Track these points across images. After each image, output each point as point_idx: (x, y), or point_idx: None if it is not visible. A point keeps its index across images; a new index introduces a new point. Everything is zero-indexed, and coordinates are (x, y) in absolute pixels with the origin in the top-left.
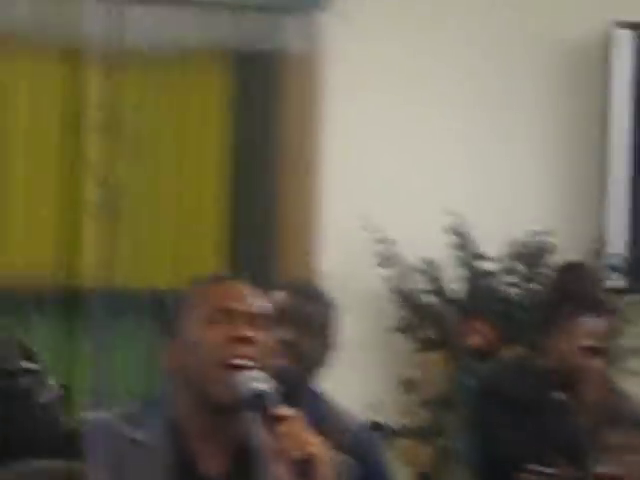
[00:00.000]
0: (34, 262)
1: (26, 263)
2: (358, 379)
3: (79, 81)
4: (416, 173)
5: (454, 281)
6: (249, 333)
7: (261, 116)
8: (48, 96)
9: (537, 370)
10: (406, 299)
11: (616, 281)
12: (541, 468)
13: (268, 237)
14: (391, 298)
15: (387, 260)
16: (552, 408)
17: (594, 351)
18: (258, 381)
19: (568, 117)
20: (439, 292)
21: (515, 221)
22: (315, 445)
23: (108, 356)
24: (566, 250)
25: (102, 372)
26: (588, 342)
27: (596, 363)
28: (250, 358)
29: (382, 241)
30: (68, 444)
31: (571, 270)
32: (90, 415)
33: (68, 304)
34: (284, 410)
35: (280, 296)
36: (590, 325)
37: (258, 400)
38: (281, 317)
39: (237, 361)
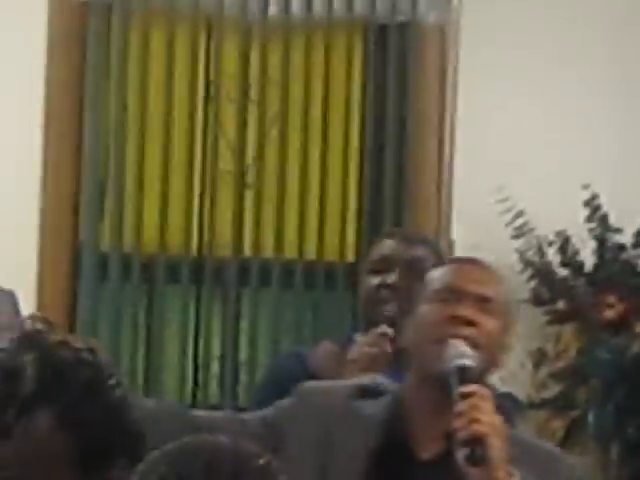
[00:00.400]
0: (168, 234)
1: (160, 235)
2: None
3: (218, 50)
4: (552, 145)
5: (587, 254)
6: (472, 315)
7: (398, 87)
8: (185, 65)
9: None
10: (539, 271)
11: None
12: None
13: (401, 208)
14: (524, 270)
15: (520, 232)
16: None
17: None
18: (465, 357)
19: None
20: (572, 265)
21: None
22: (488, 425)
23: (253, 326)
24: None
25: (250, 341)
26: None
27: None
28: (469, 340)
29: (516, 213)
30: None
31: None
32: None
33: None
34: (471, 387)
35: (390, 243)
36: None
37: (458, 374)
38: (391, 263)
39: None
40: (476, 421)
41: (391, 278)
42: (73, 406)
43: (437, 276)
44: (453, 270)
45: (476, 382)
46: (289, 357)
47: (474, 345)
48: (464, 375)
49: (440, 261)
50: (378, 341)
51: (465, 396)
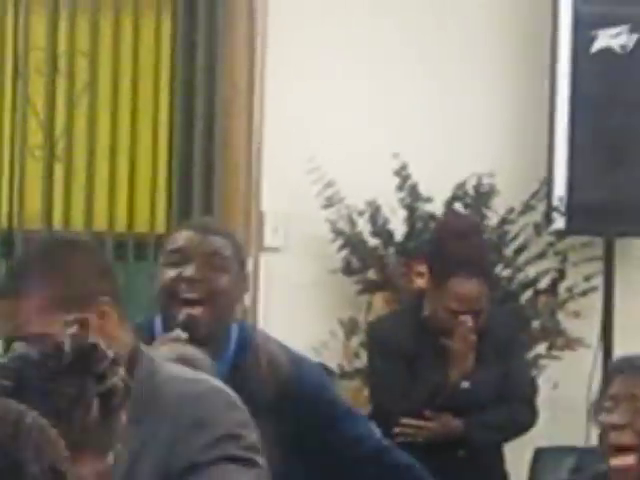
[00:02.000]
0: None
1: None
2: (302, 321)
3: (26, 22)
4: (361, 115)
5: (398, 223)
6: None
7: (207, 55)
8: None
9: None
10: (349, 241)
11: (558, 223)
12: (415, 421)
13: (211, 180)
14: (335, 240)
15: (331, 202)
16: (428, 356)
17: (462, 314)
18: None
19: (515, 56)
20: (382, 234)
21: (460, 164)
22: None
23: None
24: (510, 192)
25: None
26: (456, 306)
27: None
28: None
29: (326, 183)
30: None
31: (454, 227)
32: None
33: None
34: None
35: (186, 234)
36: (460, 288)
37: None
38: (187, 255)
39: None
40: None
41: (188, 271)
42: None
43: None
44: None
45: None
46: None
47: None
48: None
49: (238, 252)
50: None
51: None
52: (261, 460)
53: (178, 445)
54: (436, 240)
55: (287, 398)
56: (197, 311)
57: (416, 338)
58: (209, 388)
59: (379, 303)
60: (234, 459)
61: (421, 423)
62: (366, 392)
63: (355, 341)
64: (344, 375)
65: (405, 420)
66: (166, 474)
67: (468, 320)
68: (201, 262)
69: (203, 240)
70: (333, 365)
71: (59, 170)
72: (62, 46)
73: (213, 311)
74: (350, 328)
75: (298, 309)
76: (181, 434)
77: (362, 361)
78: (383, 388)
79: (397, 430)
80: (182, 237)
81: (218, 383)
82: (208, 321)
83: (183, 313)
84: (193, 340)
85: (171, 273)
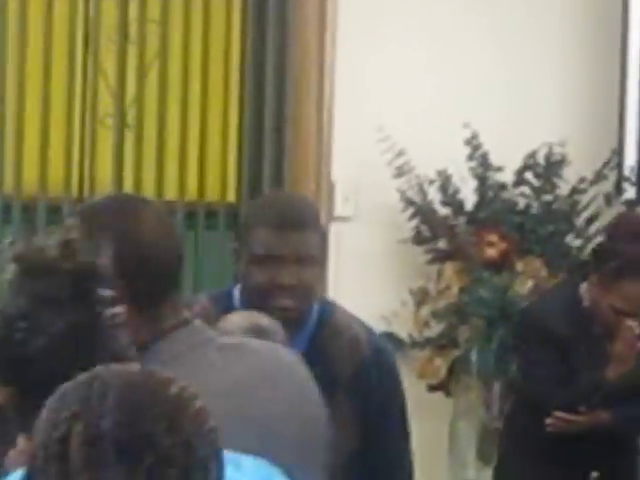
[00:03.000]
0: (49, 176)
1: (41, 177)
2: (372, 291)
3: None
4: (432, 84)
5: (468, 193)
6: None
7: (278, 25)
8: (64, 7)
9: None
10: (420, 210)
11: (629, 193)
12: (568, 416)
13: (281, 150)
14: (405, 209)
15: (401, 171)
16: (584, 350)
17: (627, 315)
18: None
19: (586, 26)
20: (453, 204)
21: (531, 133)
22: None
23: None
24: (581, 162)
25: None
26: (623, 306)
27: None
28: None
29: (396, 153)
30: None
31: (629, 227)
32: None
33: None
34: None
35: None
36: (631, 289)
37: None
38: (281, 257)
39: None
40: None
41: (282, 277)
42: None
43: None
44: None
45: None
46: None
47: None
48: None
49: (323, 237)
50: None
51: None
52: None
53: None
54: (609, 239)
55: (362, 378)
56: (292, 313)
57: (572, 329)
58: None
59: (449, 273)
60: None
61: (574, 418)
62: (436, 362)
63: (425, 310)
64: (414, 345)
65: (559, 414)
66: None
67: (636, 327)
68: (294, 265)
69: (294, 239)
70: (403, 334)
71: (130, 139)
72: (133, 14)
73: (305, 304)
74: (420, 297)
75: (368, 279)
76: None
77: (432, 330)
78: (541, 379)
79: (549, 421)
80: (272, 236)
81: None
82: (298, 314)
83: (277, 314)
84: None
85: (262, 276)
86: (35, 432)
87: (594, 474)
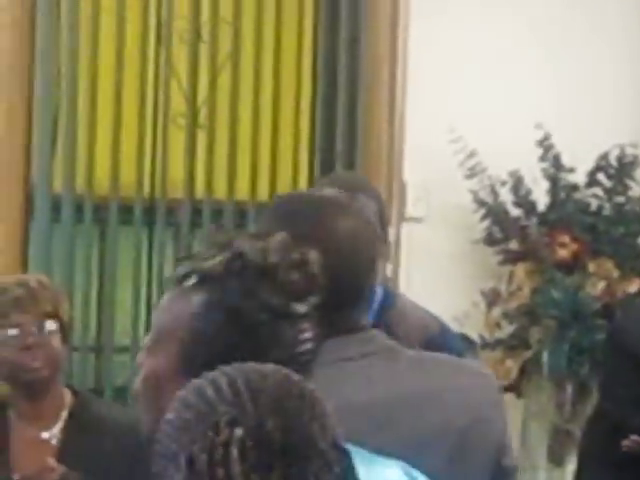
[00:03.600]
0: (121, 175)
1: (113, 176)
2: (443, 291)
3: None
4: (504, 85)
5: (540, 194)
6: None
7: (350, 26)
8: (136, 6)
9: None
10: (492, 211)
11: None
12: None
13: (353, 150)
14: (477, 210)
15: (473, 172)
16: None
17: None
18: None
19: None
20: (525, 204)
21: (603, 134)
22: None
23: None
24: None
25: None
26: None
27: None
28: None
29: (468, 153)
30: None
31: None
32: None
33: (152, 215)
34: None
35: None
36: None
37: None
38: None
39: None
40: None
41: None
42: None
43: None
44: None
45: None
46: None
47: None
48: None
49: (382, 213)
50: None
51: None
52: None
53: None
54: None
55: None
56: None
57: None
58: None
59: (521, 274)
60: None
61: None
62: (508, 363)
63: (496, 311)
64: (485, 346)
65: (635, 437)
66: None
67: None
68: None
69: None
70: (474, 336)
71: (202, 138)
72: (205, 15)
73: None
74: (492, 298)
75: (440, 279)
76: None
77: (503, 332)
78: (621, 399)
79: (625, 442)
80: None
81: None
82: None
83: None
84: None
85: None
86: (172, 433)
87: None
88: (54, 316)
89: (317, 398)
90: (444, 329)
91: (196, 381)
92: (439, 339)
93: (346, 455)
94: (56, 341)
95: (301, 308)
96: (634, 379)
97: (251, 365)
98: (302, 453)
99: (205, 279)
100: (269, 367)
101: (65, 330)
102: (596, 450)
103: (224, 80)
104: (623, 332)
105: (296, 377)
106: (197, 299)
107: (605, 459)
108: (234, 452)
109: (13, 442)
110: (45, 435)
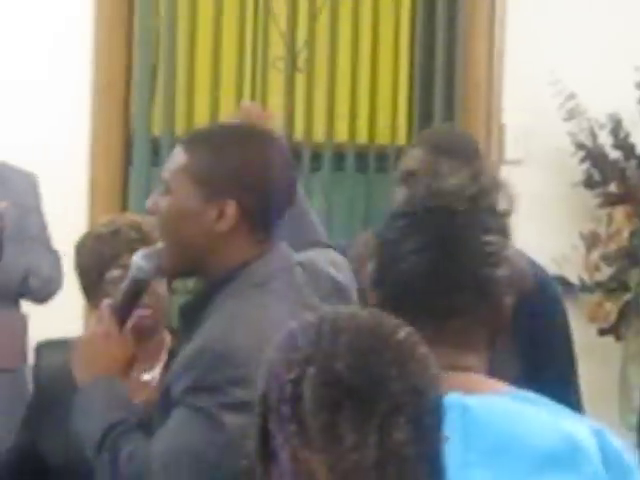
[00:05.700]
0: (220, 119)
1: (212, 120)
2: (542, 234)
3: None
4: (604, 28)
5: (639, 136)
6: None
7: None
8: None
9: None
10: (590, 154)
11: None
12: None
13: (451, 93)
14: (576, 153)
15: (572, 115)
16: None
17: None
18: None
19: None
20: (624, 147)
21: None
22: None
23: None
24: None
25: None
26: None
27: None
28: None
29: (567, 96)
30: None
31: None
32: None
33: None
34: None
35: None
36: None
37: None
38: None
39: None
40: None
41: None
42: None
43: None
44: None
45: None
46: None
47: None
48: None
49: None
50: None
51: None
52: (235, 420)
53: (181, 373)
54: None
55: (525, 307)
56: None
57: None
58: (245, 331)
59: (620, 217)
60: (199, 410)
61: None
62: (607, 306)
63: (596, 254)
64: (584, 288)
65: None
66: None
67: None
68: None
69: (432, 163)
70: (574, 278)
71: (300, 82)
72: None
73: None
74: (591, 241)
75: (539, 221)
76: (187, 362)
77: (602, 274)
78: None
79: None
80: (413, 157)
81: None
82: None
83: None
84: None
85: (401, 195)
86: (261, 369)
87: None
88: None
89: (411, 343)
90: (541, 279)
91: (293, 323)
92: (534, 292)
93: (435, 403)
94: (162, 287)
95: None
96: None
97: (353, 307)
98: (368, 394)
99: None
100: (370, 310)
101: None
102: None
103: (323, 24)
104: None
105: (393, 320)
106: None
107: None
108: (303, 390)
109: None
110: (147, 377)
